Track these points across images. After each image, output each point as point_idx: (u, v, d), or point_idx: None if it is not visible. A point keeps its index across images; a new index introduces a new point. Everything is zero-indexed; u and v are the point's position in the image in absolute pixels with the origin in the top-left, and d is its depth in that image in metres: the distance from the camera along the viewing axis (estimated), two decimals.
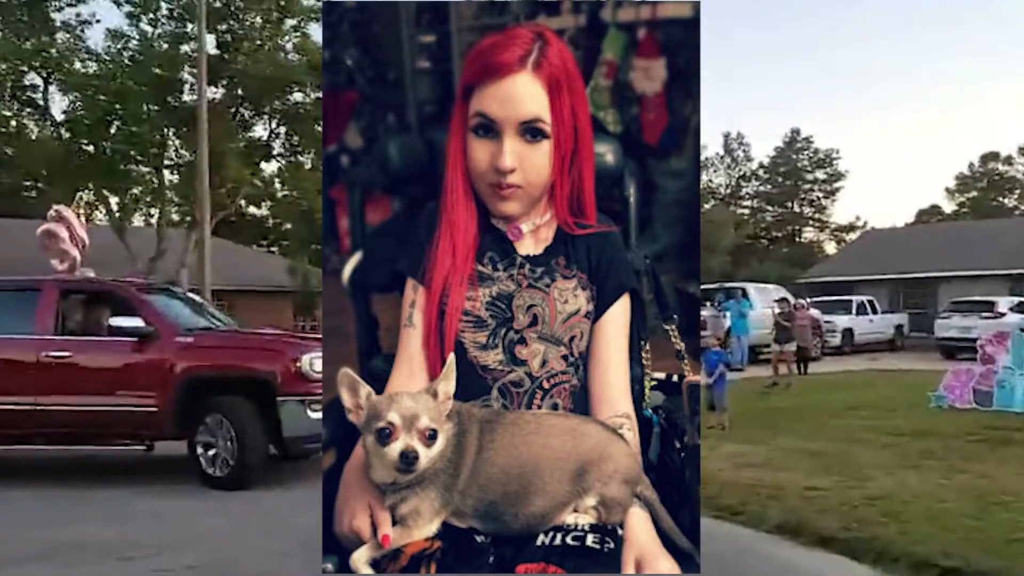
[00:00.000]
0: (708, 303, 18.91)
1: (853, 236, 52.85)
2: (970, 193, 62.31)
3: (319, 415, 6.57)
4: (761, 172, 63.85)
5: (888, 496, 6.18)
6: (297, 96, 20.52)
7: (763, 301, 18.82)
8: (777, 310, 14.55)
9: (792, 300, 19.58)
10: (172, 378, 7.13)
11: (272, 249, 55.00)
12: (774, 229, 64.59)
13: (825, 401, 11.65)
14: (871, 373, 15.80)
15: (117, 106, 17.88)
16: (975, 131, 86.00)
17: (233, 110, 19.98)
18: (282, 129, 21.54)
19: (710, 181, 64.12)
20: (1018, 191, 60.95)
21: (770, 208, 64.57)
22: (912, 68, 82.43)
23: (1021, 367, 10.30)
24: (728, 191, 64.31)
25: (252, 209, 52.34)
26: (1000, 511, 5.71)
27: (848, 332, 23.11)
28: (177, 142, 19.57)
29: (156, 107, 17.67)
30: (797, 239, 63.25)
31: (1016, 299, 22.84)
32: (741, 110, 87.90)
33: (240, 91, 19.56)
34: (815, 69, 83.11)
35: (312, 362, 6.86)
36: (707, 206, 51.97)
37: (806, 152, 62.15)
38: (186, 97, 19.19)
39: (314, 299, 25.84)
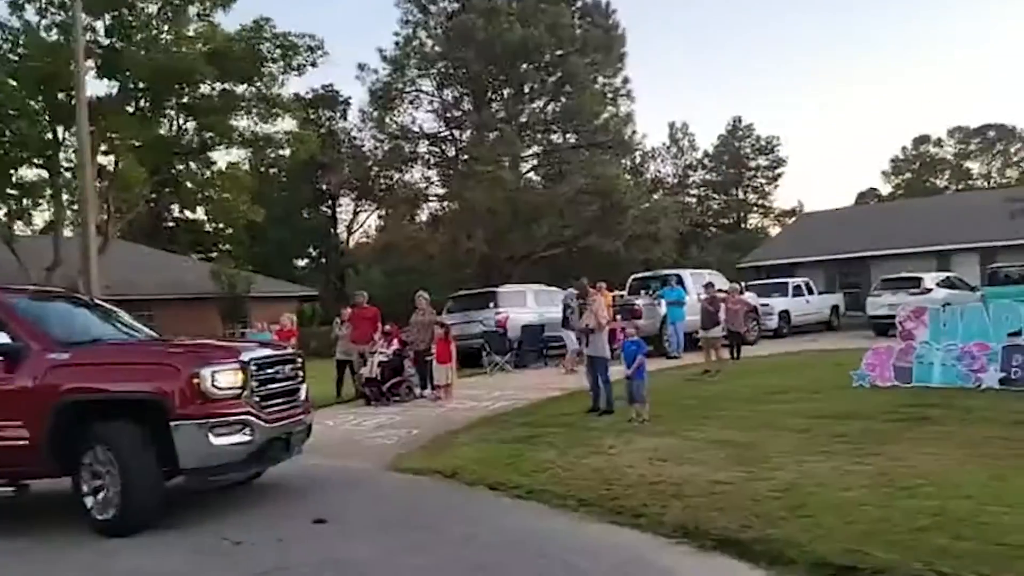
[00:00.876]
0: (643, 291, 18.69)
1: None
2: (904, 175, 63.83)
3: (227, 440, 5.91)
4: (706, 161, 64.37)
5: (794, 487, 5.91)
6: (205, 88, 19.40)
7: (699, 287, 18.60)
8: (703, 295, 14.32)
9: (721, 285, 19.48)
10: (45, 403, 5.93)
11: (211, 256, 53.75)
12: (720, 216, 65.23)
13: (751, 386, 11.44)
14: (805, 355, 15.70)
15: None
16: (908, 114, 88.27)
17: (133, 105, 18.75)
18: (190, 124, 20.37)
19: (657, 171, 64.64)
20: (948, 171, 62.73)
21: (716, 196, 65.18)
22: (848, 52, 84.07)
23: (938, 342, 10.18)
24: (676, 180, 64.69)
25: (188, 213, 51.05)
26: (905, 497, 5.46)
27: (785, 314, 23.11)
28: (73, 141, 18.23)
29: (42, 103, 16.40)
30: (743, 225, 63.84)
31: (943, 274, 23.12)
32: (686, 100, 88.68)
33: (137, 84, 18.34)
34: (756, 56, 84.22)
35: (215, 377, 5.88)
36: (654, 196, 52.14)
37: (748, 139, 62.84)
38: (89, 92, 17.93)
39: (241, 304, 25.03)
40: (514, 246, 36.99)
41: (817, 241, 31.61)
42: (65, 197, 19.10)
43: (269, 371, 6.53)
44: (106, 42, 17.60)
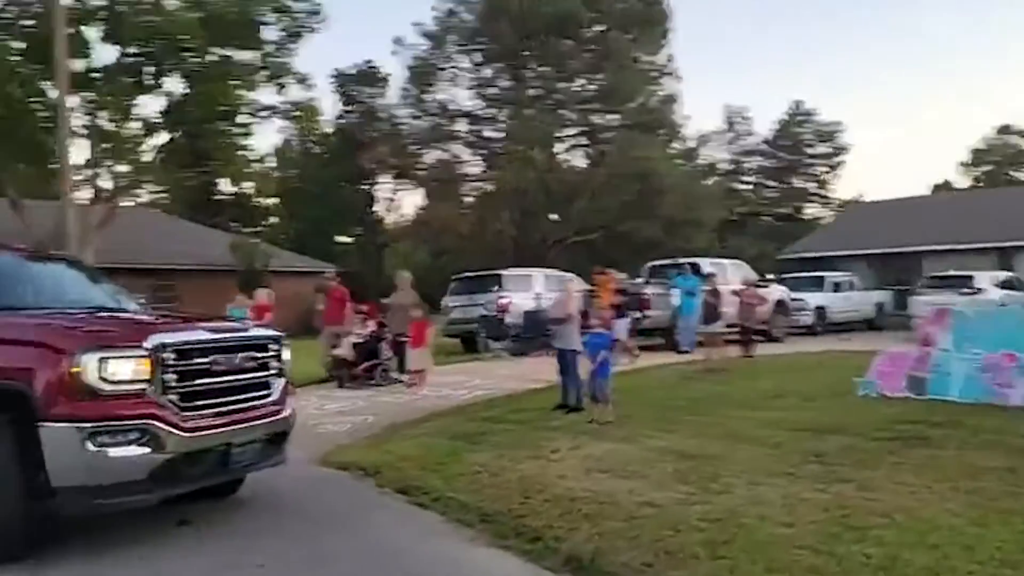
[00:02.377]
0: (655, 280, 17.61)
1: None
2: (984, 167, 60.12)
3: (117, 452, 4.43)
4: (763, 146, 62.09)
5: (731, 516, 4.97)
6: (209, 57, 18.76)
7: (719, 278, 17.46)
8: (705, 287, 13.24)
9: (748, 277, 18.31)
10: None
11: (256, 231, 54.08)
12: (776, 205, 62.96)
13: (747, 389, 10.41)
14: (826, 356, 14.46)
15: None
16: (991, 102, 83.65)
17: (134, 74, 18.31)
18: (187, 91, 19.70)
19: (710, 156, 62.74)
20: None
21: (771, 184, 62.93)
22: (924, 38, 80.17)
23: (960, 349, 8.98)
24: (730, 166, 62.70)
25: (233, 187, 51.38)
26: (854, 541, 4.48)
27: (820, 310, 21.73)
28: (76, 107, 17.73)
29: (38, 66, 16.03)
30: (799, 215, 61.41)
31: (1002, 274, 21.40)
32: (744, 83, 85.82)
33: (137, 48, 17.88)
34: (819, 39, 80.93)
35: (104, 366, 4.46)
36: (704, 182, 50.52)
37: (808, 125, 60.17)
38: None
39: (259, 278, 24.66)
40: (546, 229, 36.06)
41: (866, 233, 29.77)
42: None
43: (199, 361, 4.92)
44: (104, 2, 17.08)
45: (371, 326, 12.22)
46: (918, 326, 9.60)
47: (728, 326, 15.92)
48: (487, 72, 40.68)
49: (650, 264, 19.20)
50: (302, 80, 20.72)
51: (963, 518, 4.83)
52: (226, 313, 13.02)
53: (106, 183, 19.87)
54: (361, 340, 11.97)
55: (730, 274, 17.86)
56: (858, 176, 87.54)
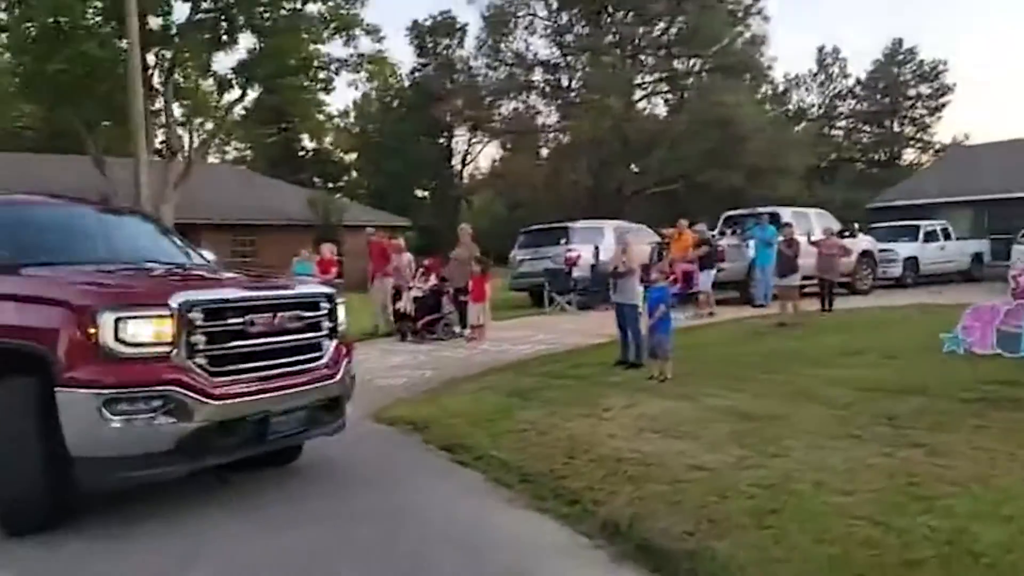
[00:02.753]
0: (730, 231, 16.91)
1: None
2: None
3: (136, 421, 4.11)
4: (858, 89, 58.76)
5: (785, 482, 4.66)
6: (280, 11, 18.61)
7: (800, 228, 16.63)
8: (780, 237, 12.58)
9: (831, 226, 17.38)
10: None
11: (338, 186, 54.98)
12: (871, 151, 59.83)
13: (822, 345, 9.85)
14: (913, 310, 13.59)
15: (59, 19, 16.04)
16: None
17: (208, 29, 18.37)
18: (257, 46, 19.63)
19: (801, 101, 59.97)
20: None
21: (867, 128, 59.72)
22: None
23: None
24: (821, 111, 59.77)
25: (314, 143, 52.23)
26: (918, 510, 4.12)
27: (911, 261, 20.54)
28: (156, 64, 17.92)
29: (114, 23, 16.23)
30: (896, 161, 58.18)
31: None
32: (839, 21, 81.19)
33: (205, 3, 17.93)
34: None
35: (122, 326, 4.12)
36: (798, 128, 48.40)
37: (908, 65, 56.38)
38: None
39: (334, 232, 25.03)
40: (623, 179, 35.27)
41: (968, 178, 27.82)
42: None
43: (233, 321, 4.53)
44: None
45: (432, 280, 12.15)
46: (1012, 277, 8.80)
47: (806, 278, 15.24)
48: (564, 19, 39.70)
49: (726, 214, 18.44)
50: (373, 32, 20.55)
51: None
52: (291, 269, 13.23)
53: (183, 141, 20.24)
54: (422, 294, 11.92)
55: (813, 224, 16.99)
56: (963, 119, 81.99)
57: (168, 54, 17.10)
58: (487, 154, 52.22)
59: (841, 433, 5.75)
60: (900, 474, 4.72)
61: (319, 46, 20.10)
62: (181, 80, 17.74)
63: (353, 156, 56.71)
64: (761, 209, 17.30)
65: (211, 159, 57.68)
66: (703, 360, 9.17)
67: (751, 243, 15.60)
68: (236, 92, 20.60)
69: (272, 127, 39.21)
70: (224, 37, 18.28)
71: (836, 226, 17.83)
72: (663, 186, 38.08)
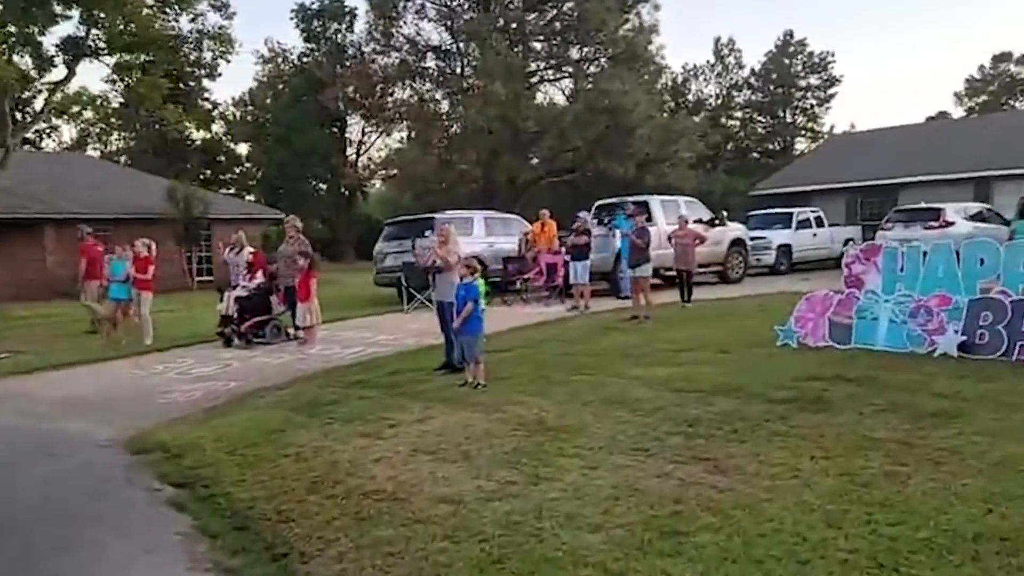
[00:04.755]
0: (599, 221, 16.43)
1: None
2: (980, 98, 58.06)
3: None
4: (753, 80, 60.03)
5: (534, 516, 4.03)
6: None
7: (668, 217, 16.32)
8: (632, 227, 12.08)
9: (701, 215, 17.16)
10: None
11: (223, 179, 52.35)
12: (765, 141, 61.26)
13: (662, 340, 9.34)
14: (773, 299, 13.33)
15: None
16: (988, 29, 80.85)
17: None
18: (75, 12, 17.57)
19: (700, 91, 60.79)
20: None
21: (761, 119, 61.14)
22: None
23: (890, 292, 7.91)
24: (719, 101, 60.78)
25: (197, 134, 49.62)
26: (664, 550, 3.53)
27: (784, 249, 20.59)
28: None
29: None
30: (790, 151, 59.71)
31: (973, 206, 20.18)
32: (734, 13, 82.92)
33: None
34: None
35: None
36: (696, 118, 48.82)
37: (799, 56, 57.97)
38: None
39: (197, 226, 23.46)
40: (515, 168, 34.59)
41: (843, 166, 28.35)
42: None
43: None
44: None
45: (259, 278, 11.11)
46: (846, 264, 8.46)
47: (667, 269, 14.91)
48: (454, 3, 38.67)
49: (597, 203, 17.96)
50: (221, 7, 19.07)
51: (817, 514, 3.84)
52: (107, 267, 11.96)
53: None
54: (246, 294, 10.86)
55: (683, 212, 16.66)
56: (851, 109, 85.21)
57: None
58: (384, 143, 50.50)
59: (632, 446, 5.17)
60: (667, 500, 4.13)
61: (157, 22, 18.42)
62: None
63: (246, 147, 54.26)
64: (629, 199, 16.86)
65: (90, 150, 54.45)
66: (533, 361, 8.55)
67: (616, 233, 15.12)
68: (61, 71, 18.79)
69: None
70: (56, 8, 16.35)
71: (706, 215, 17.63)
72: (557, 176, 37.67)
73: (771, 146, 60.44)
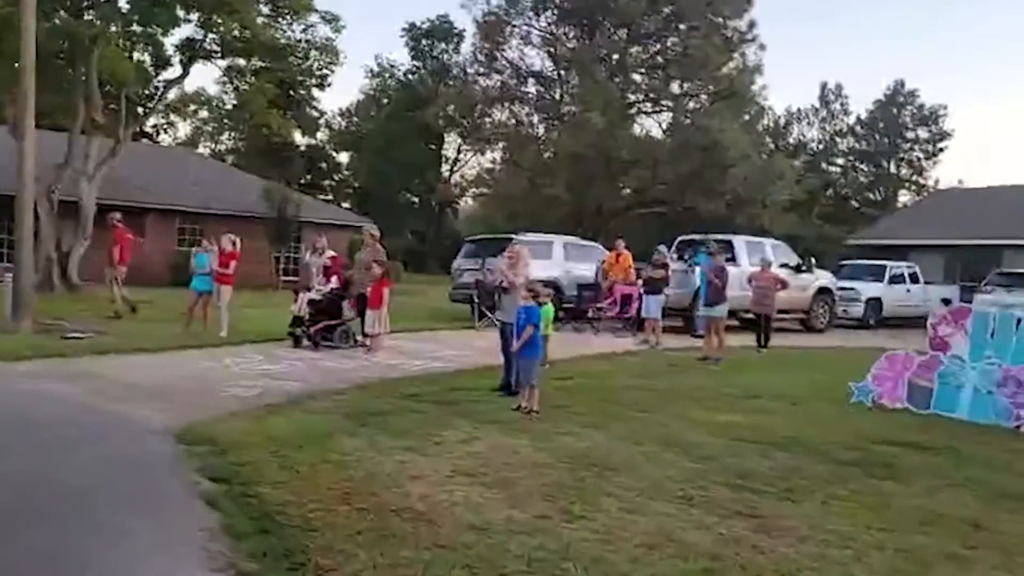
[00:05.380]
0: (679, 256, 16.07)
1: None
2: None
3: None
4: (858, 128, 58.26)
5: (560, 556, 3.84)
6: None
7: (752, 258, 15.82)
8: (711, 265, 11.70)
9: (786, 260, 16.59)
10: None
11: (324, 184, 54.07)
12: (867, 190, 59.26)
13: (729, 384, 9.02)
14: (853, 352, 12.69)
15: None
16: None
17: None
18: (194, 16, 18.38)
19: (801, 135, 59.42)
20: None
21: (863, 167, 59.19)
22: None
23: (977, 359, 7.39)
24: (821, 146, 59.19)
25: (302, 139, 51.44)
26: None
27: (874, 303, 19.72)
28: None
29: None
30: (891, 201, 57.49)
31: None
32: (842, 58, 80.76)
33: None
34: (927, 14, 75.16)
35: None
36: (796, 162, 47.67)
37: (909, 107, 55.95)
38: None
39: (289, 227, 24.16)
40: (602, 197, 34.38)
41: (943, 222, 27.06)
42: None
43: None
44: None
45: (333, 282, 11.30)
46: (931, 325, 7.96)
47: (746, 311, 14.46)
48: (559, 31, 38.99)
49: (680, 238, 17.63)
50: (332, 20, 19.73)
51: None
52: (191, 260, 12.40)
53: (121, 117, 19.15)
54: (319, 298, 11.06)
55: (769, 255, 16.16)
56: (960, 164, 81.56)
57: (96, 21, 16.06)
58: (477, 162, 51.21)
59: (675, 493, 4.93)
60: (702, 555, 3.91)
61: (270, 31, 19.19)
62: (98, 55, 16.42)
63: (346, 156, 56.01)
64: (712, 236, 16.48)
65: (201, 148, 57.20)
66: (593, 392, 8.38)
67: (696, 269, 14.78)
68: (176, 70, 19.77)
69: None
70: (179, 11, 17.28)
71: (792, 260, 17.07)
72: (647, 207, 37.30)
73: (872, 196, 58.43)
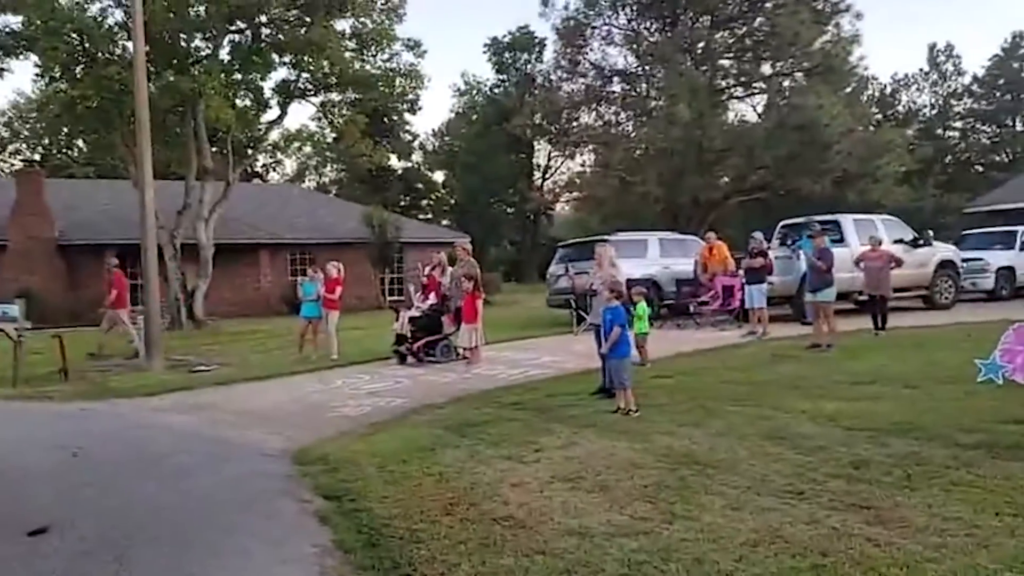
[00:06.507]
0: (781, 242, 15.48)
1: None
2: None
3: None
4: (975, 87, 54.80)
5: (661, 558, 3.77)
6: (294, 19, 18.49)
7: (863, 237, 15.06)
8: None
9: (902, 235, 15.71)
10: None
11: (419, 204, 55.34)
12: (990, 152, 55.59)
13: (839, 371, 8.63)
14: (975, 328, 11.82)
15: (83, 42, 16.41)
16: None
17: (245, 52, 18.43)
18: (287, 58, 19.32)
19: (912, 102, 56.43)
20: None
21: (985, 128, 55.59)
22: None
23: None
24: (935, 111, 56.00)
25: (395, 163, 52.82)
26: None
27: (1007, 272, 18.38)
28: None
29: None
30: (1020, 162, 53.63)
31: None
32: (950, 18, 76.08)
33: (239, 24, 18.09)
34: None
35: None
36: (909, 131, 45.35)
37: None
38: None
39: (390, 249, 24.84)
40: (697, 189, 33.60)
41: None
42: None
43: None
44: None
45: (432, 299, 11.54)
46: None
47: (859, 293, 13.81)
48: (641, 26, 38.52)
49: (782, 223, 17.00)
50: (415, 47, 20.29)
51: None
52: (299, 289, 12.93)
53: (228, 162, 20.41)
54: (419, 314, 11.32)
55: (881, 233, 15.36)
56: None
57: (202, 76, 17.20)
58: (567, 167, 51.18)
59: (782, 487, 4.76)
60: (812, 551, 3.76)
61: (357, 63, 19.95)
62: (204, 105, 17.60)
63: (441, 175, 57.22)
64: (817, 218, 15.79)
65: (308, 182, 59.83)
66: (694, 388, 8.20)
67: (802, 254, 14.21)
68: (275, 111, 20.88)
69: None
70: (261, 57, 18.31)
71: (908, 235, 16.17)
72: (747, 195, 36.26)
73: (997, 158, 54.77)
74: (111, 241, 20.45)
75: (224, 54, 18.89)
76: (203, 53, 19.07)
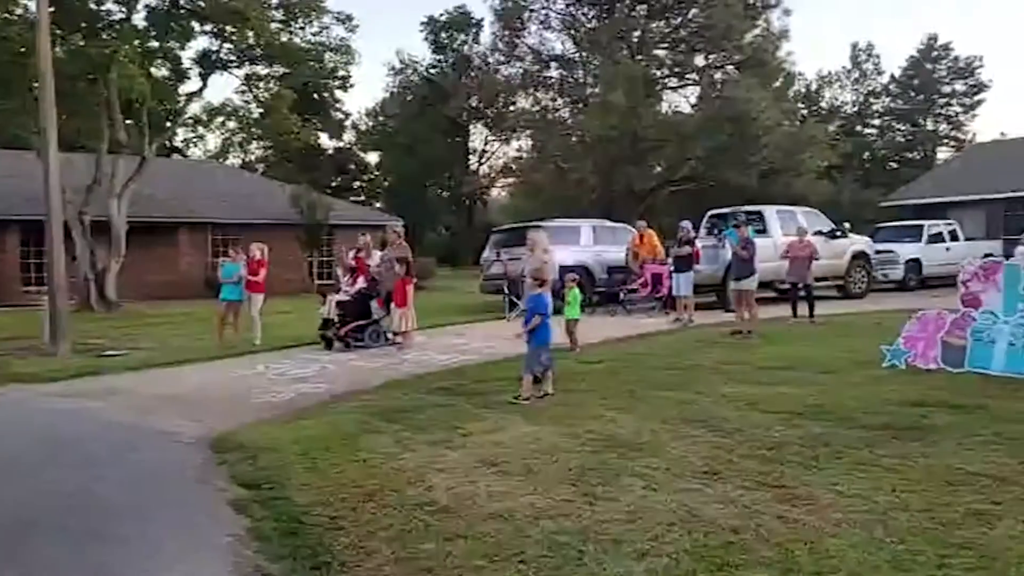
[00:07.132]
0: (708, 231, 15.87)
1: None
2: None
3: None
4: (892, 87, 56.85)
5: (580, 538, 3.85)
6: None
7: (785, 228, 15.56)
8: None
9: (820, 227, 16.29)
10: None
11: (353, 187, 54.40)
12: (905, 149, 57.83)
13: (760, 357, 8.92)
14: (893, 316, 12.42)
15: None
16: None
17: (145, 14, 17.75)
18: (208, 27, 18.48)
19: (834, 99, 58.19)
20: None
21: (900, 127, 57.77)
22: None
23: (1011, 313, 7.20)
24: (855, 109, 57.87)
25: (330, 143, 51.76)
26: None
27: (913, 264, 19.28)
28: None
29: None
30: (930, 160, 56.03)
31: None
32: (872, 17, 78.71)
33: None
34: None
35: None
36: (830, 127, 46.75)
37: (944, 62, 54.38)
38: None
39: (320, 231, 24.42)
40: (632, 178, 34.09)
41: (983, 177, 26.23)
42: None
43: None
44: None
45: (360, 282, 11.41)
46: (962, 282, 7.78)
47: (781, 282, 14.27)
48: (579, 12, 38.66)
49: (709, 213, 17.42)
50: (345, 21, 19.83)
51: (884, 553, 3.52)
52: (219, 270, 12.61)
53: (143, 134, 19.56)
54: (347, 298, 11.19)
55: (801, 224, 15.87)
56: (1000, 117, 78.69)
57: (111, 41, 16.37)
58: (503, 152, 51.09)
59: (701, 468, 4.92)
60: (724, 529, 3.89)
61: (285, 35, 19.38)
62: (116, 74, 16.76)
63: (375, 156, 56.31)
64: (742, 208, 16.24)
65: (232, 159, 58.10)
66: (621, 374, 8.36)
67: (726, 244, 14.58)
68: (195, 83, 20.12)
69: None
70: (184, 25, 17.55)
71: (826, 226, 16.77)
72: (679, 185, 36.92)
73: (911, 156, 57.02)
74: (15, 217, 19.45)
75: (139, 19, 18.14)
76: (116, 17, 18.15)
